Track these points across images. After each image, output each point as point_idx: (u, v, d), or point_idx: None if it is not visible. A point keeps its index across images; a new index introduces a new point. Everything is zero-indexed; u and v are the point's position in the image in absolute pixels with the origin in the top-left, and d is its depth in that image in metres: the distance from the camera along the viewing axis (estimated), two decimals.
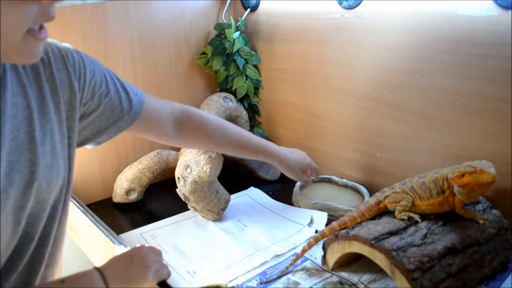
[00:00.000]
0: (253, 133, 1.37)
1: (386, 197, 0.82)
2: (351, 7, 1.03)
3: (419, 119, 0.97)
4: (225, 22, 1.32)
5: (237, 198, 1.16)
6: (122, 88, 0.73)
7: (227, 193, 1.07)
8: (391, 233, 0.74)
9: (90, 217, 0.99)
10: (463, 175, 0.73)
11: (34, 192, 0.57)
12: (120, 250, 0.84)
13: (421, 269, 0.67)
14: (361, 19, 1.02)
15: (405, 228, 0.76)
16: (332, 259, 0.82)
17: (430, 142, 0.96)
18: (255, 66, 1.33)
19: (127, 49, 1.16)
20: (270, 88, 1.33)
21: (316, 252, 0.89)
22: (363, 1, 1.00)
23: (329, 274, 0.82)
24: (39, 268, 0.63)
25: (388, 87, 1.01)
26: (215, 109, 1.24)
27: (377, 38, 1.00)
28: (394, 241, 0.72)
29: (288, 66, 1.24)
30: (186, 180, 1.00)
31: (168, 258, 0.91)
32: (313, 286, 0.79)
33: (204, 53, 1.30)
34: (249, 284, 0.81)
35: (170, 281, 0.81)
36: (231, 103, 1.29)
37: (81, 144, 0.71)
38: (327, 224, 0.97)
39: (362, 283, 0.79)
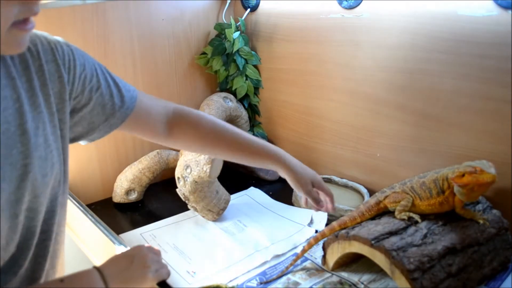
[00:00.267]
0: (253, 133, 1.37)
1: (386, 197, 0.82)
2: (351, 7, 1.03)
3: (419, 119, 0.97)
4: (225, 22, 1.32)
5: (237, 198, 1.16)
6: (114, 83, 0.72)
7: (227, 193, 1.07)
8: (391, 233, 0.74)
9: (90, 217, 0.99)
10: (463, 175, 0.73)
11: (29, 185, 0.57)
12: (120, 250, 0.84)
13: (421, 269, 0.67)
14: (361, 19, 1.02)
15: (405, 228, 0.76)
16: (332, 259, 0.82)
17: (430, 142, 0.96)
18: (255, 66, 1.33)
19: (127, 49, 1.16)
20: (270, 88, 1.33)
21: (316, 252, 0.89)
22: (363, 1, 1.00)
23: (329, 274, 0.82)
24: (44, 262, 0.63)
25: (388, 87, 1.01)
26: (215, 109, 1.24)
27: (377, 38, 1.00)
28: (394, 241, 0.72)
29: (288, 66, 1.24)
30: (186, 180, 1.00)
31: (168, 258, 0.91)
32: (313, 286, 0.79)
33: (204, 53, 1.30)
34: (249, 284, 0.81)
35: (170, 281, 0.81)
36: (231, 103, 1.29)
37: (73, 140, 0.71)
38: (327, 224, 0.97)
39: (362, 283, 0.79)
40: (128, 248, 0.78)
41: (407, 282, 0.67)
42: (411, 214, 0.79)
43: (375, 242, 0.72)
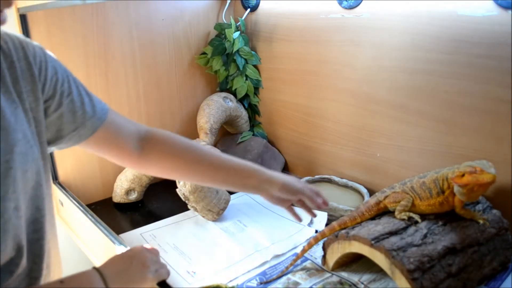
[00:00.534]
0: (253, 133, 1.37)
1: (386, 197, 0.82)
2: (351, 7, 1.03)
3: (419, 119, 0.97)
4: (225, 22, 1.32)
5: (237, 198, 1.16)
6: (86, 93, 0.70)
7: (227, 193, 1.07)
8: (391, 233, 0.74)
9: (90, 217, 0.99)
10: (463, 175, 0.73)
11: (11, 182, 0.57)
12: (120, 250, 0.84)
13: (421, 269, 0.67)
14: (361, 19, 1.02)
15: (405, 228, 0.76)
16: (332, 259, 0.82)
17: (430, 142, 0.96)
18: (255, 66, 1.33)
19: (127, 49, 1.16)
20: (270, 88, 1.33)
21: (316, 252, 0.89)
22: (363, 1, 1.00)
23: (329, 274, 0.82)
24: (40, 262, 0.63)
25: (388, 87, 1.01)
26: (215, 109, 1.24)
27: (377, 38, 1.00)
28: (394, 241, 0.72)
29: (288, 66, 1.24)
30: None
31: (168, 258, 0.91)
32: (313, 286, 0.79)
33: (204, 53, 1.30)
34: (249, 284, 0.81)
35: (170, 281, 0.81)
36: (231, 103, 1.29)
37: None
38: (327, 224, 0.97)
39: (362, 283, 0.79)
40: (128, 248, 0.78)
41: (407, 282, 0.67)
42: (411, 214, 0.79)
43: (375, 242, 0.72)
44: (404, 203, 0.79)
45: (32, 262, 0.62)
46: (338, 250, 0.80)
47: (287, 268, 0.84)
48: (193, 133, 1.32)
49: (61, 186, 1.13)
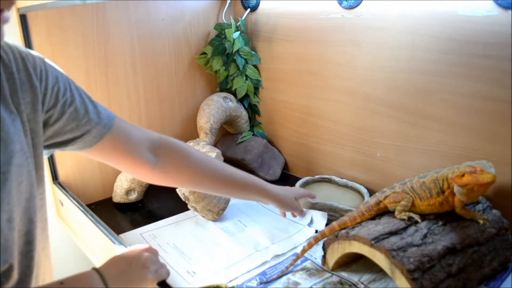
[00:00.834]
0: (253, 133, 1.37)
1: (386, 197, 0.82)
2: (351, 7, 1.03)
3: (419, 119, 0.97)
4: (225, 22, 1.32)
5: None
6: (89, 100, 0.69)
7: None
8: (391, 233, 0.74)
9: (90, 217, 0.99)
10: (463, 175, 0.73)
11: (7, 193, 0.56)
12: (120, 250, 0.84)
13: (421, 269, 0.67)
14: (361, 19, 1.02)
15: (405, 228, 0.76)
16: (332, 259, 0.82)
17: (430, 142, 0.96)
18: (255, 66, 1.33)
19: (127, 49, 1.16)
20: (270, 88, 1.33)
21: (316, 252, 0.89)
22: (363, 1, 1.00)
23: (329, 274, 0.82)
24: (30, 274, 0.62)
25: (388, 87, 1.01)
26: (215, 109, 1.24)
27: (377, 38, 1.00)
28: (394, 241, 0.72)
29: (288, 66, 1.24)
30: None
31: (168, 258, 0.91)
32: (313, 286, 0.79)
33: (204, 53, 1.30)
34: (249, 284, 0.81)
35: (170, 281, 0.81)
36: (231, 103, 1.29)
37: (47, 154, 0.69)
38: (327, 224, 0.97)
39: (362, 283, 0.79)
40: (128, 248, 0.78)
41: (407, 282, 0.67)
42: (411, 214, 0.79)
43: (375, 242, 0.72)
44: (404, 203, 0.79)
45: (22, 274, 0.61)
46: (338, 250, 0.80)
47: (287, 268, 0.84)
48: (193, 133, 1.32)
49: (61, 186, 1.13)
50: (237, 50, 1.27)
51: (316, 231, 0.97)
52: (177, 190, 1.05)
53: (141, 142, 0.74)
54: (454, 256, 0.72)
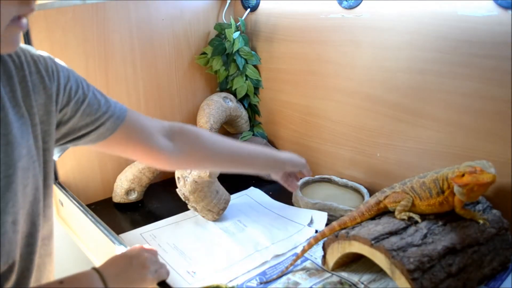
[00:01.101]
0: (253, 133, 1.37)
1: (386, 197, 0.82)
2: (351, 7, 1.03)
3: (419, 119, 0.97)
4: (225, 22, 1.32)
5: (237, 198, 1.16)
6: (101, 95, 0.70)
7: (227, 193, 1.07)
8: (391, 233, 0.74)
9: (90, 217, 0.99)
10: (463, 175, 0.73)
11: (12, 196, 0.56)
12: (120, 250, 0.84)
13: (421, 269, 0.67)
14: (361, 19, 1.02)
15: (405, 228, 0.76)
16: (332, 259, 0.82)
17: (430, 142, 0.96)
18: (255, 66, 1.33)
19: (127, 49, 1.16)
20: (270, 88, 1.33)
21: (316, 252, 0.89)
22: (363, 1, 1.00)
23: (329, 274, 0.82)
24: (29, 276, 0.62)
25: (388, 87, 1.01)
26: (215, 109, 1.24)
27: (377, 38, 1.00)
28: (394, 241, 0.72)
29: (288, 66, 1.24)
30: (186, 180, 1.00)
31: (168, 258, 0.91)
32: (313, 286, 0.79)
33: (204, 53, 1.30)
34: (249, 284, 0.81)
35: (170, 281, 0.81)
36: (231, 103, 1.29)
37: (60, 151, 0.70)
38: (327, 224, 0.97)
39: (362, 283, 0.79)
40: (128, 248, 0.78)
41: (407, 282, 0.67)
42: (411, 214, 0.79)
43: (375, 242, 0.72)
44: (404, 203, 0.79)
45: (21, 276, 0.61)
46: (338, 250, 0.80)
47: (287, 268, 0.84)
48: None
49: (61, 186, 1.13)
50: (237, 50, 1.27)
51: (316, 231, 0.97)
52: (177, 190, 1.05)
53: (155, 130, 0.75)
54: (454, 256, 0.72)
